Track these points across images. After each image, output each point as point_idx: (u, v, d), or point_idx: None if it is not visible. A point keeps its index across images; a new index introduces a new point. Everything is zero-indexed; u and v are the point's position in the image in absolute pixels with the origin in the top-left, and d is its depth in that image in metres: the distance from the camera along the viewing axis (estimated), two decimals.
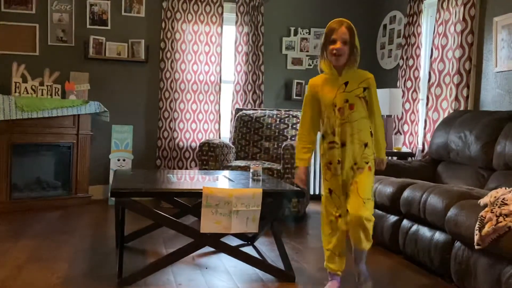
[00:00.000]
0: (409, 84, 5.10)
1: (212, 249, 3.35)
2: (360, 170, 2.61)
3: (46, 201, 4.99)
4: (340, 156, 2.61)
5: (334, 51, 2.54)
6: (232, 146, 5.19)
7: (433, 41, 4.69)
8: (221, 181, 3.36)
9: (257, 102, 5.86)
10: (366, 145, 2.62)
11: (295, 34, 6.07)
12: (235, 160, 5.13)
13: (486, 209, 2.53)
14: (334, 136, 2.62)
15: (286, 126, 5.23)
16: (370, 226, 2.56)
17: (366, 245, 2.59)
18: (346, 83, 2.60)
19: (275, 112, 5.39)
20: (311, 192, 5.92)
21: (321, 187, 2.62)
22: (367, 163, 2.62)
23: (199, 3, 5.74)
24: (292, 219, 4.63)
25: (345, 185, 2.63)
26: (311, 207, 5.43)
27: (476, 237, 2.50)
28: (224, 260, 3.28)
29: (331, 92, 2.61)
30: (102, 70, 5.60)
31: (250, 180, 3.31)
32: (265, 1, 5.84)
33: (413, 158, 4.89)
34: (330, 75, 2.63)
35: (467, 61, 4.31)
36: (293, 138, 5.16)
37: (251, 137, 5.28)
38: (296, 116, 5.29)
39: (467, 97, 4.31)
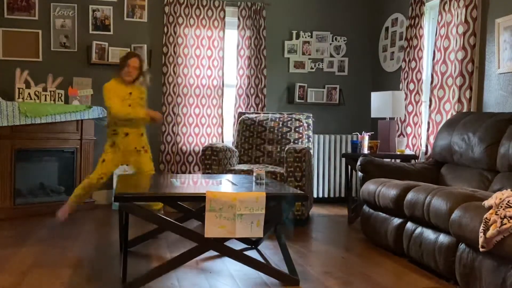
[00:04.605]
0: (411, 86, 5.10)
1: (216, 253, 3.35)
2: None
3: (49, 206, 4.97)
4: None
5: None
6: (235, 150, 5.19)
7: (435, 43, 4.69)
8: (225, 185, 3.36)
9: (260, 105, 5.87)
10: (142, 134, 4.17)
11: (297, 37, 6.08)
12: (238, 164, 5.13)
13: (491, 211, 2.52)
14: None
15: (289, 129, 5.23)
16: None
17: None
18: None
19: (277, 115, 5.39)
20: (315, 196, 5.92)
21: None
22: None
23: (201, 8, 5.76)
24: (295, 223, 4.62)
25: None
26: (315, 210, 5.42)
27: (480, 240, 2.49)
28: (228, 264, 3.28)
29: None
30: (105, 75, 5.57)
31: (254, 183, 3.31)
32: (266, 5, 5.86)
33: (416, 160, 4.88)
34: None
35: (469, 63, 4.30)
36: (296, 142, 5.17)
37: (254, 140, 5.28)
38: (299, 120, 5.28)
39: (470, 99, 4.31)
